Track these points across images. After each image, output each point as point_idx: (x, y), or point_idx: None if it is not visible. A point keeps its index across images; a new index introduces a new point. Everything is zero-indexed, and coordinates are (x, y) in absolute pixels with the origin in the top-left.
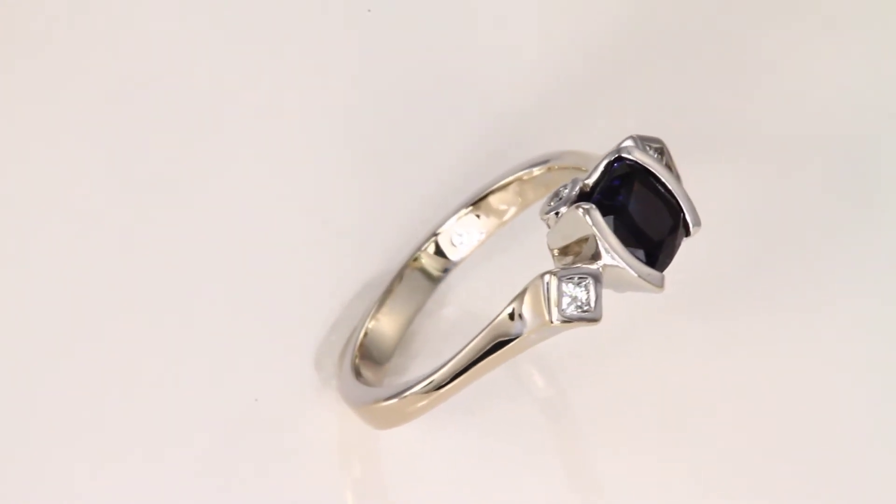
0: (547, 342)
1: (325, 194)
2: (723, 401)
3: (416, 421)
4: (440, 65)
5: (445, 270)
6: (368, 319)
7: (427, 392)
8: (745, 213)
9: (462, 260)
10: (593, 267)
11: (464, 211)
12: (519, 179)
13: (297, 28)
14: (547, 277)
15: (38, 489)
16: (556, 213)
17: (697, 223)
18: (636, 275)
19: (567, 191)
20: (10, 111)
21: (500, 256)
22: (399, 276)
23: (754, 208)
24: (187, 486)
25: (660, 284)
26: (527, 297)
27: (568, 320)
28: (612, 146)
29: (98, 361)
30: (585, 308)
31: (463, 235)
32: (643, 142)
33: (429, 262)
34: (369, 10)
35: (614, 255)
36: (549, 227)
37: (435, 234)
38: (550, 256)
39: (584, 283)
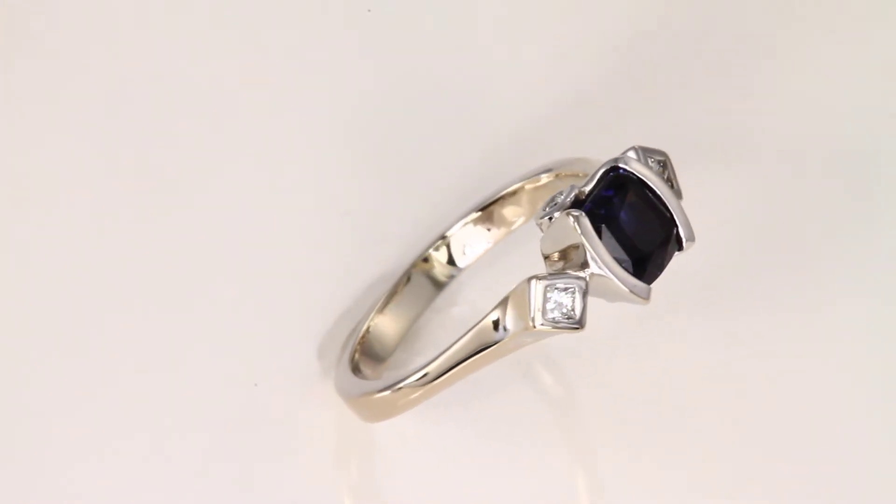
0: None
1: (329, 191)
2: (722, 400)
3: (415, 414)
4: (442, 66)
5: (451, 276)
6: (371, 317)
7: (420, 385)
8: (746, 213)
9: (468, 266)
10: (581, 275)
11: (472, 216)
12: (525, 187)
13: (297, 28)
14: (533, 282)
15: (37, 485)
16: (550, 219)
17: (691, 238)
18: (622, 285)
19: (563, 197)
20: (10, 111)
21: (511, 257)
22: (406, 277)
23: (755, 208)
24: (187, 474)
25: (646, 296)
26: (513, 301)
27: (551, 326)
28: (615, 154)
29: (101, 350)
30: (570, 315)
31: (470, 245)
32: (645, 153)
33: (436, 266)
34: (369, 10)
35: (601, 265)
36: (542, 231)
37: (442, 238)
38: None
39: (570, 291)
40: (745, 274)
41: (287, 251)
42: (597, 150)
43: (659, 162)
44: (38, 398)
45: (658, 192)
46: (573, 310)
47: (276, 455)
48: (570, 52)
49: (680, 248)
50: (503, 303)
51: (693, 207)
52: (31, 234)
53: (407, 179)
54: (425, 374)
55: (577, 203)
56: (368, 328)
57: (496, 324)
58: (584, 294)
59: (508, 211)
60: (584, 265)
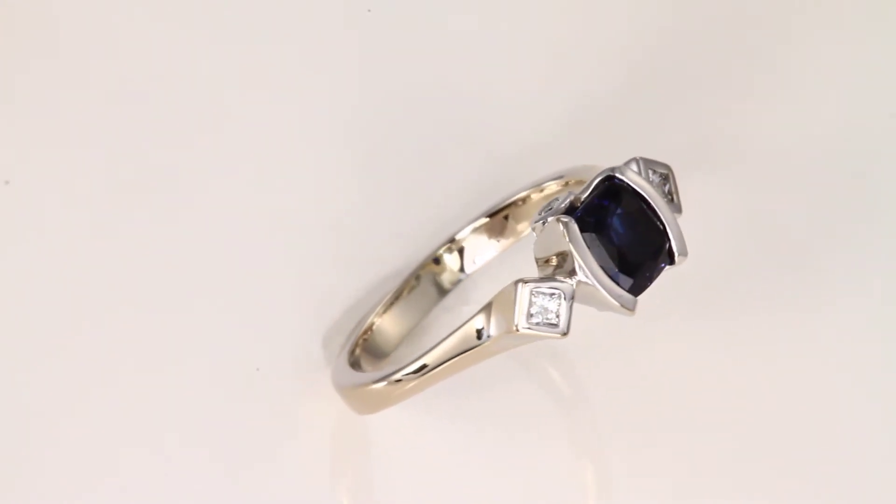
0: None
1: (339, 186)
2: (723, 400)
3: (415, 406)
4: (449, 69)
5: (457, 283)
6: (376, 316)
7: (407, 380)
8: (747, 213)
9: (475, 272)
10: (568, 281)
11: (481, 221)
12: (532, 196)
13: (298, 29)
14: (520, 286)
15: (35, 480)
16: (543, 223)
17: (683, 253)
18: (607, 295)
19: (559, 202)
20: (10, 111)
21: (524, 254)
22: (415, 277)
23: (755, 209)
24: (187, 466)
25: (631, 308)
26: (499, 303)
27: (534, 331)
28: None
29: (103, 345)
30: (553, 321)
31: (480, 254)
32: (647, 164)
33: (446, 270)
34: (369, 10)
35: (587, 273)
36: (535, 235)
37: (452, 241)
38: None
39: (556, 296)
40: (746, 274)
41: (293, 248)
42: (609, 158)
43: (661, 175)
44: (37, 397)
45: (652, 204)
46: (558, 316)
47: (275, 445)
48: (579, 58)
49: (671, 261)
50: (490, 304)
51: (695, 208)
52: (31, 233)
53: (415, 181)
54: (411, 371)
55: (571, 209)
56: (372, 326)
57: (482, 325)
58: (570, 301)
59: (518, 217)
60: (573, 272)
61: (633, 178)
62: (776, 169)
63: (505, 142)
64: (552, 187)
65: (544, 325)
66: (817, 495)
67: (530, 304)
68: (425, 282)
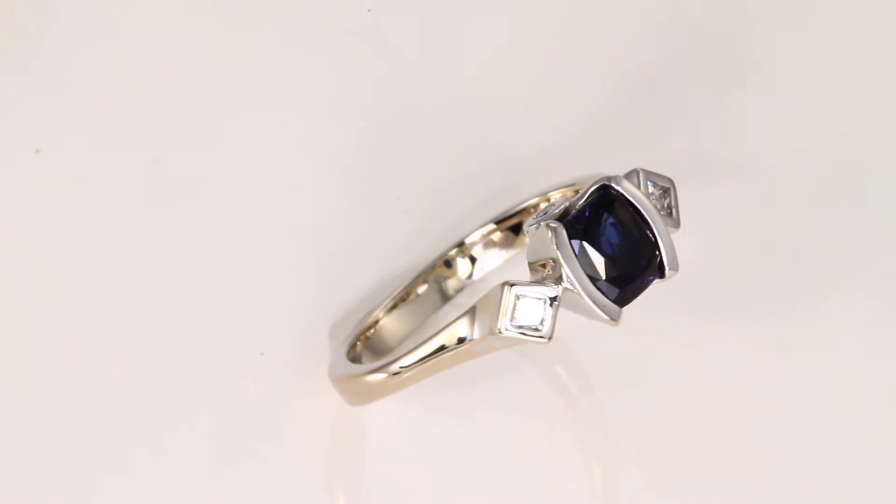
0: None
1: (345, 187)
2: (723, 401)
3: (415, 402)
4: (458, 71)
5: (461, 289)
6: (382, 310)
7: (394, 374)
8: (748, 214)
9: (480, 279)
10: (555, 287)
11: (490, 227)
12: (541, 205)
13: (298, 30)
14: (506, 288)
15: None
16: (536, 227)
17: (674, 268)
18: (591, 303)
19: (554, 207)
20: (11, 111)
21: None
22: (423, 279)
23: (756, 209)
24: (188, 457)
25: (615, 318)
26: (485, 304)
27: (517, 334)
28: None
29: (105, 341)
30: (536, 326)
31: (489, 263)
32: (648, 177)
33: (457, 275)
34: (369, 10)
35: (572, 279)
36: (528, 239)
37: (462, 246)
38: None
39: (540, 301)
40: (752, 278)
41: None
42: (618, 168)
43: (662, 188)
44: (38, 395)
45: (645, 216)
46: (541, 321)
47: (275, 434)
48: (586, 65)
49: (661, 275)
50: (475, 306)
51: (698, 210)
52: (30, 233)
53: (425, 180)
54: (398, 365)
55: (564, 216)
56: (376, 324)
57: (467, 326)
58: (555, 306)
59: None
60: (561, 278)
61: (628, 188)
62: (778, 171)
63: (519, 146)
64: (564, 194)
65: (528, 329)
66: (817, 495)
67: (515, 307)
68: (433, 285)
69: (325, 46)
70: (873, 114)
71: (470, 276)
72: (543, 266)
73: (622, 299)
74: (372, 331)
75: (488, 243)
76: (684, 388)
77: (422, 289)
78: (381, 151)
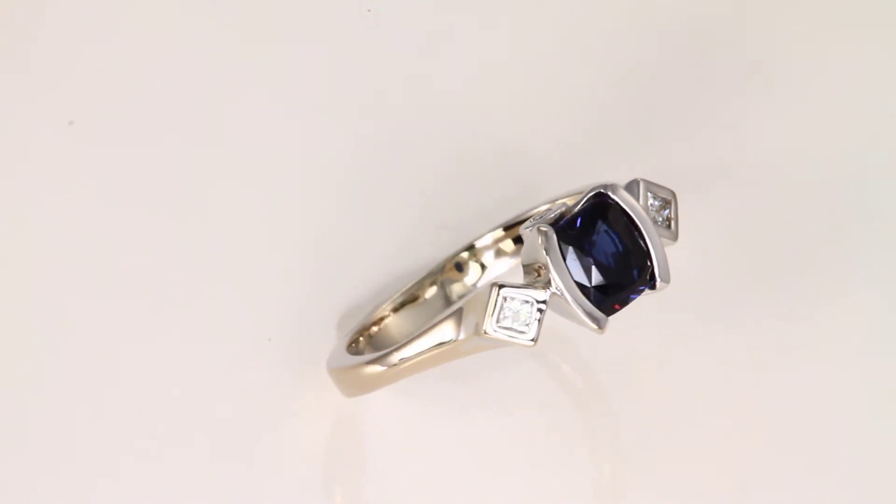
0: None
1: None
2: (723, 401)
3: (414, 398)
4: (462, 74)
5: (464, 295)
6: (389, 307)
7: (384, 368)
8: (748, 215)
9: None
10: (543, 291)
11: (499, 233)
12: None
13: (301, 30)
14: (494, 289)
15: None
16: (530, 230)
17: (666, 279)
18: (577, 309)
19: (550, 212)
20: (10, 111)
21: None
22: (430, 280)
23: (756, 210)
24: (188, 447)
25: (601, 326)
26: (472, 304)
27: (503, 335)
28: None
29: (106, 337)
30: (521, 329)
31: (495, 266)
32: (648, 188)
33: (466, 278)
34: (369, 10)
35: (559, 284)
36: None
37: (470, 248)
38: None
39: (528, 304)
40: (752, 278)
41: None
42: (626, 171)
43: (662, 199)
44: (38, 394)
45: (639, 226)
46: (527, 324)
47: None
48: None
49: (652, 286)
50: (464, 306)
51: (699, 211)
52: (30, 234)
53: (433, 182)
54: (388, 360)
55: (558, 221)
56: (381, 321)
57: (454, 325)
58: (542, 310)
59: None
60: (550, 283)
61: (623, 197)
62: (778, 172)
63: (527, 151)
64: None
65: (513, 331)
66: (818, 495)
67: (502, 308)
68: (440, 289)
69: (327, 46)
70: (874, 117)
71: (476, 283)
72: (536, 270)
73: (610, 307)
74: (376, 328)
75: (499, 252)
76: (684, 388)
77: (429, 292)
78: (388, 153)
